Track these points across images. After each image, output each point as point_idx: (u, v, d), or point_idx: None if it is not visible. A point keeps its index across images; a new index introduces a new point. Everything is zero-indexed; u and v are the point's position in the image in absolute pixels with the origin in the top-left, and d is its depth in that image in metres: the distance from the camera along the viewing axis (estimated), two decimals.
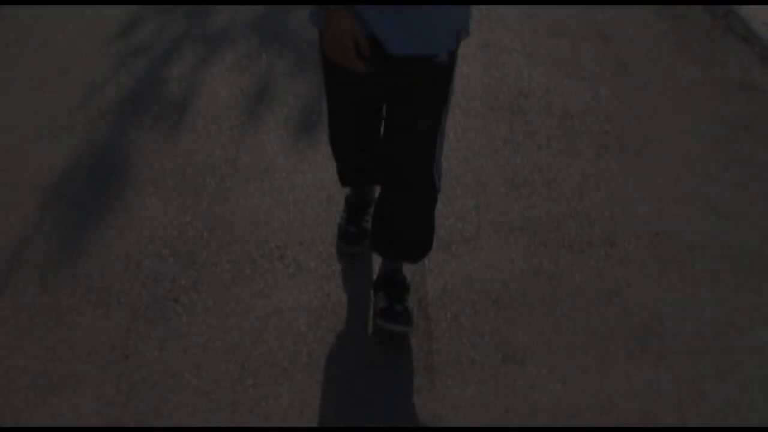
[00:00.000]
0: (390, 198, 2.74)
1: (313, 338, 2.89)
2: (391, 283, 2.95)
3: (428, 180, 2.68)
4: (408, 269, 3.18)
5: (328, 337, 2.90)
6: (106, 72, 4.65)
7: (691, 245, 3.43)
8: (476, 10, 5.68)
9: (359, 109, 2.75)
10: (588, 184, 3.80)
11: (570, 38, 5.32)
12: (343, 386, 2.71)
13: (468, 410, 2.64)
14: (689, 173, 3.90)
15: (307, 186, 3.69)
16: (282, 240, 3.36)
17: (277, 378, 2.73)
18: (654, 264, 3.32)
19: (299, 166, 3.83)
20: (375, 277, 3.12)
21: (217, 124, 4.16)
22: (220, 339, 2.86)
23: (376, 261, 3.27)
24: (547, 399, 2.70)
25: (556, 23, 5.53)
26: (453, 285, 3.17)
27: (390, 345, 2.87)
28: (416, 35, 2.43)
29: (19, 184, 3.62)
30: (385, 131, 2.66)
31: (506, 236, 3.45)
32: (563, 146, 4.09)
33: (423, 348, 2.88)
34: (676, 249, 3.40)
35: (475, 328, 2.97)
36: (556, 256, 3.34)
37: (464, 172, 3.82)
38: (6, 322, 2.89)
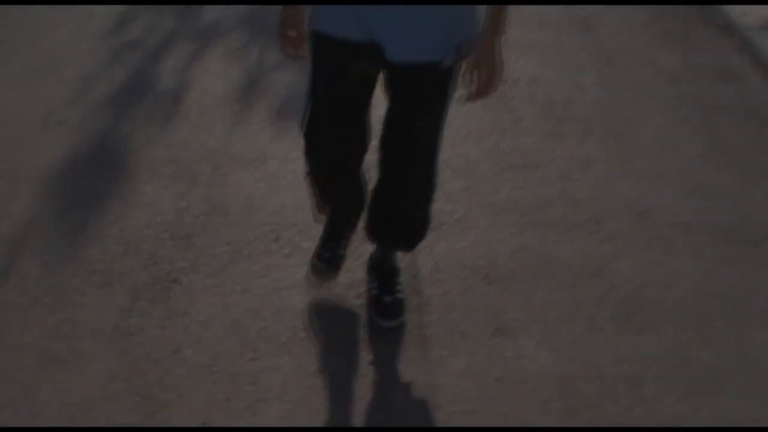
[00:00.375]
0: (387, 195, 2.81)
1: (309, 314, 2.98)
2: (382, 269, 3.05)
3: (427, 181, 2.76)
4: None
5: (324, 313, 2.99)
6: (100, 67, 4.74)
7: (673, 223, 3.54)
8: None
9: (345, 111, 2.64)
10: (573, 166, 3.91)
11: (553, 30, 5.43)
12: (340, 358, 2.81)
13: (460, 378, 2.74)
14: (671, 155, 4.01)
15: (299, 172, 3.75)
16: (277, 223, 3.45)
17: (276, 352, 2.82)
18: (638, 241, 3.42)
19: (291, 154, 3.92)
20: (369, 254, 3.20)
21: (210, 115, 4.25)
22: (220, 316, 2.96)
23: None
24: (538, 367, 2.80)
25: (539, 15, 5.64)
26: (444, 262, 3.27)
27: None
28: (418, 41, 2.41)
29: (18, 174, 3.71)
30: (385, 133, 2.66)
31: (494, 217, 3.55)
32: (548, 131, 4.20)
33: (416, 321, 2.97)
34: (659, 226, 3.51)
35: (466, 302, 3.07)
36: (543, 234, 3.45)
37: (452, 156, 3.92)
38: (11, 304, 2.98)
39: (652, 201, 3.67)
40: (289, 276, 3.16)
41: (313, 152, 2.75)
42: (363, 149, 2.77)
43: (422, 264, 3.25)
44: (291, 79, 4.61)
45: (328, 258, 3.01)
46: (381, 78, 2.63)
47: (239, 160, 3.87)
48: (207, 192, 3.63)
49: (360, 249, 3.28)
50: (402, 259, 3.21)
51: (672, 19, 5.65)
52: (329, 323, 2.95)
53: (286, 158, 3.89)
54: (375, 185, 2.86)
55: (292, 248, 3.31)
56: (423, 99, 2.56)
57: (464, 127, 4.17)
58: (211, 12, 5.59)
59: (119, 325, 2.90)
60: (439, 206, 3.53)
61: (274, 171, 3.80)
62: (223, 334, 2.88)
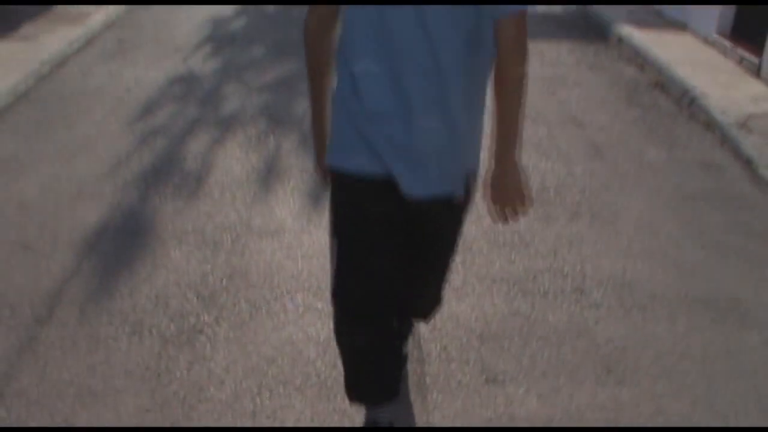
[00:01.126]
0: (407, 291, 2.80)
1: (321, 363, 3.31)
2: None
3: (444, 275, 2.89)
4: None
5: (334, 363, 3.31)
6: (130, 148, 5.16)
7: (652, 294, 3.88)
8: None
9: (372, 252, 2.53)
10: (561, 244, 4.27)
11: (548, 125, 5.87)
12: (347, 400, 3.11)
13: (455, 419, 3.06)
14: (653, 236, 4.38)
15: (313, 244, 4.15)
16: (293, 286, 3.80)
17: (290, 393, 3.14)
18: (619, 308, 3.76)
19: (306, 228, 4.30)
20: None
21: (231, 192, 4.65)
22: (240, 362, 3.29)
23: None
24: (525, 411, 3.12)
25: (535, 112, 6.08)
26: (442, 323, 3.60)
27: None
28: (434, 177, 2.40)
29: (57, 238, 4.08)
30: (401, 261, 2.63)
31: (489, 286, 3.89)
32: (540, 214, 4.58)
33: (416, 371, 3.30)
34: (639, 296, 3.86)
35: (462, 356, 3.40)
36: (532, 301, 3.79)
37: None
38: (52, 346, 3.32)
39: (633, 274, 4.02)
40: (303, 331, 3.50)
41: (343, 303, 2.63)
42: (394, 294, 2.64)
43: (423, 324, 3.59)
44: (305, 164, 5.02)
45: None
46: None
47: (258, 232, 4.25)
48: (229, 258, 3.99)
49: None
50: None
51: (658, 117, 6.10)
52: (339, 371, 3.26)
53: (302, 231, 4.26)
54: None
55: (306, 308, 3.66)
56: (440, 231, 2.65)
57: None
58: (230, 104, 6.05)
59: (150, 366, 3.23)
60: None
61: (290, 242, 4.17)
62: (243, 376, 3.21)
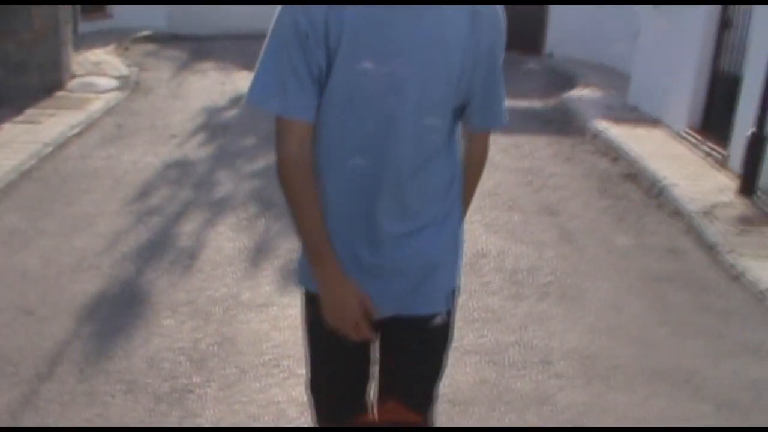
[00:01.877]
0: None
1: (303, 421, 3.57)
2: None
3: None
4: None
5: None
6: (127, 226, 5.47)
7: (614, 365, 4.16)
8: None
9: (344, 355, 2.40)
10: (530, 321, 4.56)
11: (523, 213, 6.22)
12: None
13: None
14: (617, 314, 4.68)
15: (298, 317, 4.40)
16: (278, 354, 4.07)
17: None
18: (582, 378, 4.04)
19: (292, 302, 4.57)
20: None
21: (222, 269, 4.95)
22: (228, 419, 3.54)
23: None
24: None
25: (511, 201, 6.44)
26: None
27: None
28: (405, 293, 2.25)
29: (57, 306, 4.36)
30: (384, 390, 2.46)
31: (460, 357, 4.16)
32: (512, 293, 4.88)
33: None
34: (601, 368, 4.14)
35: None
36: (501, 371, 4.06)
37: None
38: (52, 401, 3.57)
39: (596, 348, 4.31)
40: (286, 393, 3.76)
41: (318, 396, 2.60)
42: (367, 380, 2.50)
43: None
44: (293, 246, 5.32)
45: None
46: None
47: (246, 305, 4.53)
48: (219, 328, 4.27)
49: None
50: None
51: (628, 206, 6.46)
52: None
53: (288, 306, 4.54)
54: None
55: (289, 373, 3.92)
56: (423, 364, 2.38)
57: None
58: (223, 187, 6.39)
59: (143, 421, 3.49)
60: None
61: (276, 315, 4.45)
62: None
